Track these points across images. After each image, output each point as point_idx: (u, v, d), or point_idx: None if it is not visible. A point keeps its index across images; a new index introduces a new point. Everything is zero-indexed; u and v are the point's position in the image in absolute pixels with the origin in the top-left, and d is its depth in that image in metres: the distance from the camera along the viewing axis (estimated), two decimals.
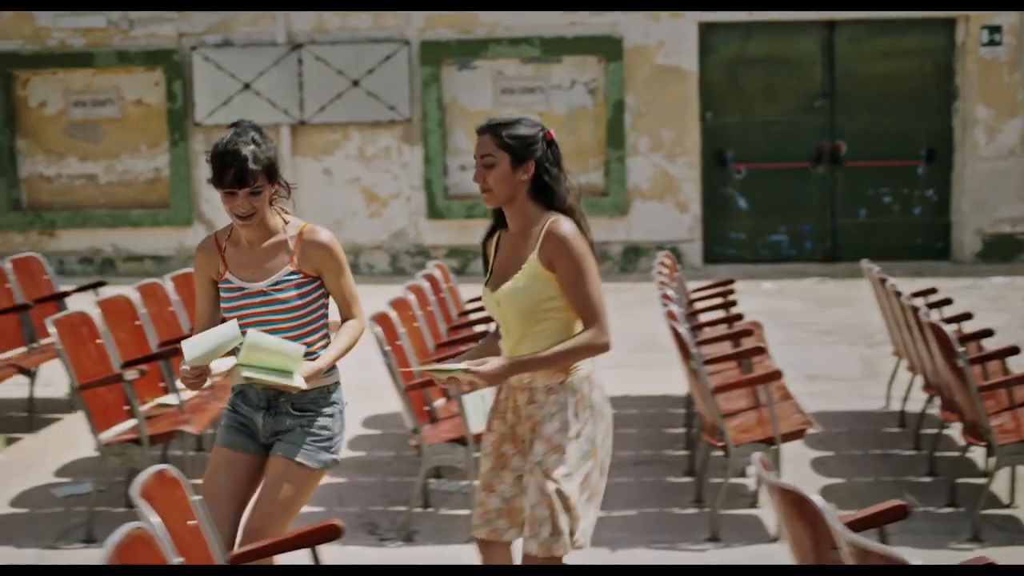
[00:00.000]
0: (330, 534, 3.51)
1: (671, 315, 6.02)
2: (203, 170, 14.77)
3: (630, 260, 14.36)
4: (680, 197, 14.32)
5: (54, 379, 8.48)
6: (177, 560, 2.90)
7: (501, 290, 4.06)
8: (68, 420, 8.14)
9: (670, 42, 14.11)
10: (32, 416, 7.99)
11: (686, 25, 14.08)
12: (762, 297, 12.36)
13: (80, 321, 5.98)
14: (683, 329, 5.73)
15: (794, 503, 3.23)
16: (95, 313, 6.30)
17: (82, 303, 8.92)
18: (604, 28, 14.10)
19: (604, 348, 4.01)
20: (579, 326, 4.03)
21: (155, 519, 2.95)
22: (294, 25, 14.26)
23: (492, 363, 3.94)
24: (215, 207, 14.44)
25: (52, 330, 5.72)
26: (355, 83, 14.16)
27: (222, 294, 4.19)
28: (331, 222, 14.28)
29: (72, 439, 7.58)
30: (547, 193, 4.05)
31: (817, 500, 3.11)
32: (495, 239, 4.20)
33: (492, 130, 4.05)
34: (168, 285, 7.45)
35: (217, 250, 4.23)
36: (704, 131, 14.35)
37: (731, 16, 14.03)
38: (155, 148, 14.67)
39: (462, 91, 14.36)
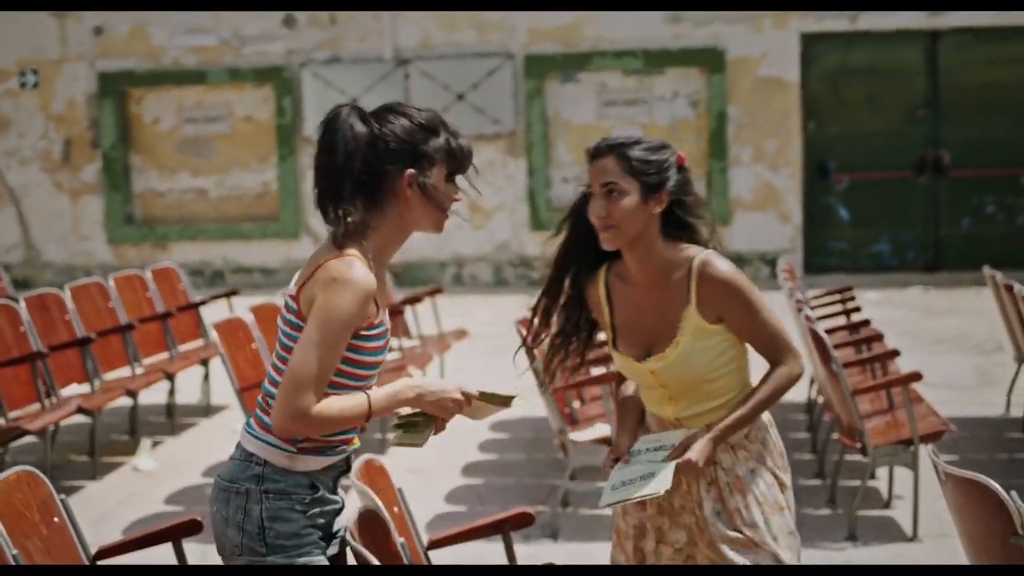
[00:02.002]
0: (523, 521, 3.71)
1: (808, 319, 6.16)
2: (311, 184, 15.01)
3: None
4: (782, 207, 14.41)
5: (182, 387, 8.79)
6: (400, 540, 3.10)
7: (655, 360, 3.41)
8: (204, 425, 8.44)
9: (772, 53, 14.21)
10: (173, 421, 8.29)
11: (788, 36, 14.19)
12: (868, 307, 12.38)
13: (238, 326, 6.24)
14: (822, 331, 5.87)
15: (974, 491, 3.36)
16: (249, 320, 6.57)
17: (216, 312, 9.23)
18: (707, 40, 14.24)
19: (800, 376, 3.48)
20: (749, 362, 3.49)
21: None
22: (400, 41, 14.55)
23: (698, 448, 3.35)
24: (321, 220, 14.74)
25: (213, 334, 5.98)
26: (460, 97, 14.42)
27: (369, 345, 3.05)
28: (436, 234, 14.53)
29: (213, 443, 7.87)
30: (683, 228, 3.41)
31: (998, 487, 3.25)
32: (600, 286, 3.47)
33: (616, 151, 3.35)
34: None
35: None
36: (806, 142, 14.43)
37: (833, 26, 14.11)
38: (264, 163, 15.02)
39: (565, 104, 14.57)
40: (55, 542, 3.53)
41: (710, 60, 14.25)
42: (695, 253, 3.38)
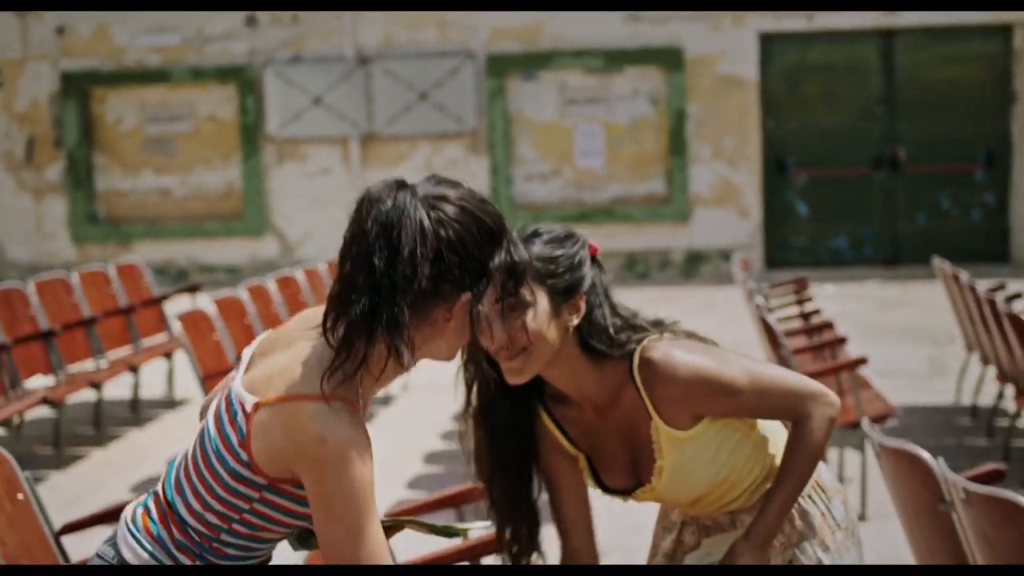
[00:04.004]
0: (476, 495, 3.83)
1: (758, 307, 6.32)
2: (275, 182, 15.41)
3: (692, 266, 14.64)
4: (741, 203, 14.60)
5: (146, 381, 8.88)
6: None
7: (644, 493, 2.79)
8: (168, 417, 8.54)
9: (731, 51, 14.40)
10: (137, 414, 8.38)
11: (746, 35, 14.38)
12: (825, 301, 12.60)
13: (201, 317, 6.35)
14: (772, 320, 6.03)
15: (904, 460, 3.51)
16: (212, 311, 6.68)
17: (179, 308, 9.33)
18: (665, 39, 14.41)
19: (834, 416, 2.75)
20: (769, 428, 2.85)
21: None
22: (362, 40, 14.65)
23: (748, 551, 2.71)
24: (286, 218, 14.87)
25: (177, 327, 6.09)
26: (422, 96, 14.54)
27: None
28: None
29: (177, 434, 7.97)
30: (601, 342, 2.65)
31: (926, 455, 3.40)
32: (544, 416, 2.78)
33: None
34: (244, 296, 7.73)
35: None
36: (764, 138, 14.62)
37: (791, 26, 14.32)
38: (228, 162, 15.09)
39: (527, 102, 14.71)
40: (19, 518, 3.63)
41: (669, 59, 14.42)
42: (629, 355, 2.67)
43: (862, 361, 5.97)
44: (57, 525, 3.92)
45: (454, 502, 3.89)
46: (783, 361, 6.02)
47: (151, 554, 2.31)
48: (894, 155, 14.57)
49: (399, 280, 2.17)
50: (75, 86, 14.92)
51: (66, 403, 7.57)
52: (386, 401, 8.79)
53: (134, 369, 8.11)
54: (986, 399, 7.90)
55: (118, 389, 8.77)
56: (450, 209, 2.22)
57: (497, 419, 2.74)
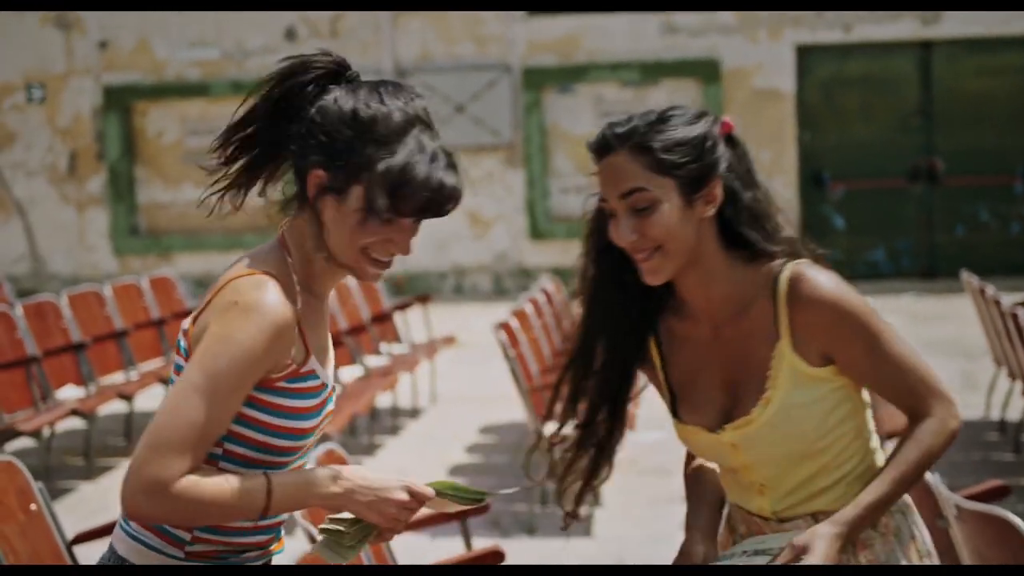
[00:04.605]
0: (479, 509, 3.87)
1: None
2: None
3: None
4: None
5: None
6: None
7: (736, 427, 2.42)
8: None
9: (767, 64, 14.39)
10: None
11: (783, 47, 14.36)
12: None
13: None
14: None
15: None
16: None
17: None
18: (702, 51, 14.42)
19: (957, 431, 2.44)
20: (881, 418, 2.59)
21: None
22: (400, 53, 14.75)
23: (820, 551, 2.31)
24: None
25: None
26: (459, 109, 14.62)
27: (290, 403, 2.21)
28: (436, 244, 14.76)
29: None
30: (752, 230, 2.39)
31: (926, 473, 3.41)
32: (655, 348, 2.50)
33: (630, 143, 2.33)
34: None
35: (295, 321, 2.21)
36: (801, 151, 14.59)
37: (827, 38, 14.29)
38: None
39: (563, 115, 14.75)
40: (32, 528, 3.71)
41: (705, 71, 14.43)
42: (778, 266, 2.39)
43: None
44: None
45: (460, 514, 3.93)
46: None
47: (137, 538, 2.21)
48: (931, 167, 14.50)
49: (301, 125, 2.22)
50: (117, 100, 15.11)
51: (97, 415, 7.67)
52: (414, 414, 8.85)
53: (165, 381, 8.21)
54: (1014, 414, 7.86)
55: (149, 401, 8.86)
56: (372, 84, 2.23)
57: (617, 313, 2.47)
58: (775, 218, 2.43)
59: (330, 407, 2.28)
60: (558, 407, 2.55)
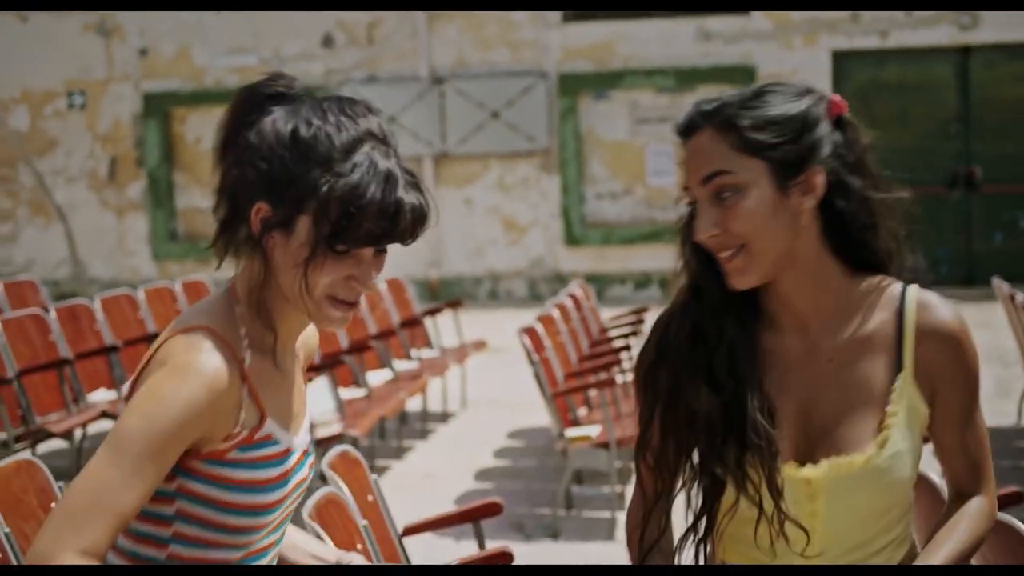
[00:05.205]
0: (492, 511, 3.90)
1: None
2: None
3: None
4: None
5: None
6: (363, 522, 3.32)
7: (831, 465, 2.06)
8: None
9: (803, 70, 14.35)
10: None
11: (819, 53, 14.32)
12: None
13: None
14: None
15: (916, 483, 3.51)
16: None
17: None
18: (737, 57, 14.41)
19: (995, 522, 2.22)
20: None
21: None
22: (436, 60, 14.82)
23: None
24: None
25: None
26: (495, 115, 14.67)
27: (241, 475, 1.96)
28: (471, 250, 14.82)
29: None
30: (862, 234, 2.08)
31: (934, 477, 3.40)
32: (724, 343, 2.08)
33: (718, 119, 2.03)
34: None
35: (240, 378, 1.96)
36: None
37: (864, 44, 14.24)
38: None
39: (598, 121, 14.77)
40: None
41: (741, 77, 14.40)
42: (899, 285, 2.12)
43: None
44: None
45: (473, 516, 3.96)
46: None
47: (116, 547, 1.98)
48: (969, 174, 14.42)
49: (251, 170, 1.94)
50: (156, 106, 15.26)
51: None
52: (444, 418, 8.89)
53: None
54: None
55: None
56: (277, 112, 1.95)
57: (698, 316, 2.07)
58: (892, 222, 2.13)
59: (300, 475, 2.01)
60: (647, 464, 2.14)
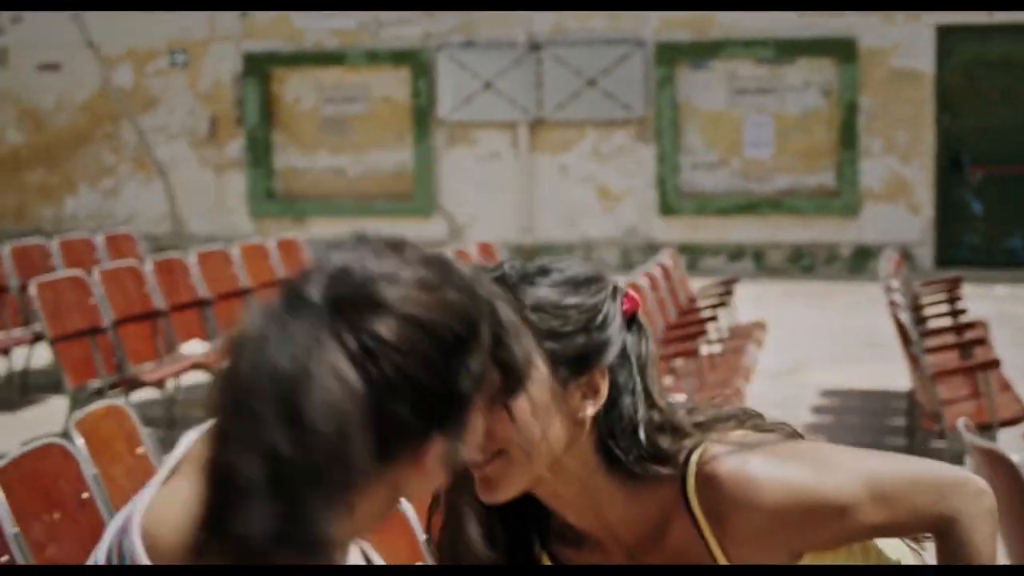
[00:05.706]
0: None
1: (893, 303, 6.25)
2: (445, 165, 15.61)
3: (860, 261, 14.42)
4: (913, 200, 14.32)
5: None
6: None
7: None
8: None
9: (906, 44, 14.13)
10: None
11: (923, 27, 14.08)
12: (994, 301, 12.30)
13: None
14: (904, 316, 5.96)
15: (994, 462, 3.49)
16: None
17: None
18: (839, 30, 14.21)
19: (993, 498, 1.75)
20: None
21: None
22: (534, 26, 14.81)
23: None
24: (455, 200, 15.13)
25: None
26: (591, 82, 14.63)
27: None
28: (565, 217, 14.82)
29: None
30: (625, 441, 1.69)
31: (1015, 457, 3.38)
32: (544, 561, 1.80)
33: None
34: None
35: None
36: (939, 134, 14.30)
37: (969, 19, 13.97)
38: (400, 143, 15.42)
39: (696, 91, 14.67)
40: (138, 470, 3.86)
41: (842, 50, 14.21)
42: (681, 468, 1.70)
43: (995, 363, 5.86)
44: None
45: None
46: (914, 360, 5.96)
47: None
48: None
49: (320, 469, 1.23)
50: (256, 67, 15.43)
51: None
52: None
53: None
54: None
55: None
56: (384, 330, 1.29)
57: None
58: (661, 418, 1.70)
59: None
60: None
